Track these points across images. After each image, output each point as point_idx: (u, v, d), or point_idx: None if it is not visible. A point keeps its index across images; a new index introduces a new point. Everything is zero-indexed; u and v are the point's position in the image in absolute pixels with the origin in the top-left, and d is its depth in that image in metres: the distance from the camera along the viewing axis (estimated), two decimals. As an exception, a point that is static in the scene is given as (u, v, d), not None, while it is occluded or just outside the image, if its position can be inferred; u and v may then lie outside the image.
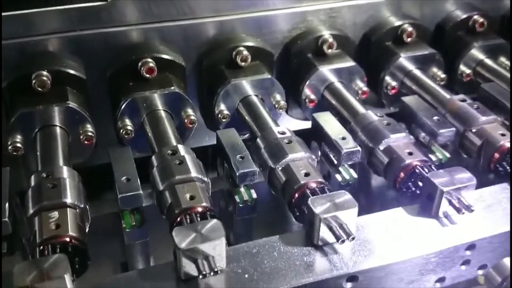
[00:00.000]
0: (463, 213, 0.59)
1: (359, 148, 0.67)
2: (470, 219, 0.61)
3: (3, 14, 0.70)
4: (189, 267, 0.51)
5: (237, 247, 0.57)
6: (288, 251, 0.57)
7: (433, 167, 0.65)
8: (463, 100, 0.75)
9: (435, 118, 0.72)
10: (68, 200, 0.58)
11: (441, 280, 0.61)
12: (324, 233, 0.56)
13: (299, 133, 0.73)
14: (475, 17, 0.90)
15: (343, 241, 0.55)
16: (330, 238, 0.57)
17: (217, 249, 0.51)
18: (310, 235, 0.57)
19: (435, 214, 0.61)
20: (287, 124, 0.86)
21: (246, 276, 0.54)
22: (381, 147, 0.68)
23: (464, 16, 0.90)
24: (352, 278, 0.56)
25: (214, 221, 0.52)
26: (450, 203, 0.60)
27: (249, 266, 0.55)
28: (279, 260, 0.56)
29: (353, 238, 0.55)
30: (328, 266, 0.56)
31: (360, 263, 0.56)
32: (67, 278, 0.48)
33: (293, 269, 0.55)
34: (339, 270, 0.55)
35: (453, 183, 0.59)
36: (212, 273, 0.51)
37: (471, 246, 0.60)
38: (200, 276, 0.51)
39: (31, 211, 0.56)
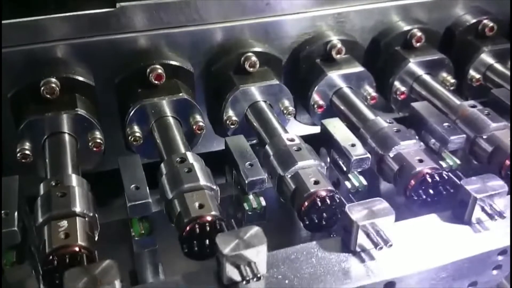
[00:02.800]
0: (496, 219, 0.59)
1: (369, 155, 0.67)
2: (502, 225, 0.61)
3: (11, 21, 0.70)
4: (232, 273, 0.52)
5: (275, 253, 0.58)
6: (325, 257, 0.58)
7: (443, 174, 0.64)
8: (474, 106, 0.74)
9: (446, 124, 0.71)
10: (77, 209, 0.58)
11: (473, 284, 0.62)
12: (361, 239, 0.57)
13: (307, 138, 0.73)
14: (485, 21, 0.89)
15: (381, 248, 0.55)
16: (367, 244, 0.57)
17: (259, 255, 0.52)
18: (347, 242, 0.58)
19: (468, 220, 0.61)
20: (295, 129, 0.87)
21: (286, 282, 0.55)
22: (391, 154, 0.67)
23: (474, 20, 0.90)
24: (389, 284, 0.57)
25: (256, 228, 0.53)
26: (483, 209, 0.60)
27: (288, 272, 0.56)
28: (318, 266, 0.57)
29: (391, 245, 0.56)
30: (365, 272, 0.56)
31: (397, 269, 0.57)
32: (117, 284, 0.48)
33: (331, 275, 0.56)
34: (376, 276, 0.56)
35: (486, 190, 0.60)
36: (255, 279, 0.52)
37: (503, 252, 0.60)
38: (244, 282, 0.52)
39: (40, 220, 0.56)
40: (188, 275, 0.56)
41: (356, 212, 0.56)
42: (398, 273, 0.57)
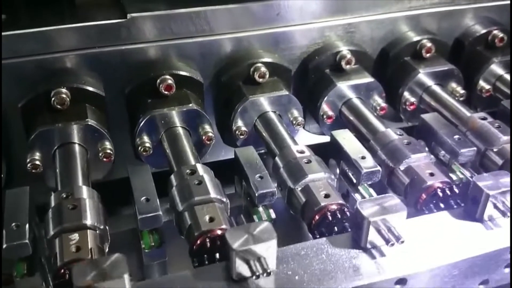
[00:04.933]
0: (509, 216, 0.59)
1: (379, 168, 0.67)
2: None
3: (23, 31, 0.71)
4: (241, 268, 0.53)
5: (284, 248, 0.58)
6: (336, 253, 0.58)
7: (454, 188, 0.64)
8: (484, 118, 0.74)
9: (456, 137, 0.71)
10: (88, 221, 0.58)
11: (484, 282, 0.61)
12: (372, 236, 0.57)
13: (316, 147, 0.73)
14: (495, 32, 0.89)
15: (392, 244, 0.55)
16: (378, 241, 0.58)
17: (269, 250, 0.53)
18: (357, 238, 0.58)
19: (480, 217, 0.62)
20: (305, 138, 0.87)
21: (296, 278, 0.55)
22: (402, 167, 0.67)
23: (484, 31, 0.90)
24: (400, 281, 0.57)
25: (266, 223, 0.54)
26: (495, 206, 0.60)
27: (298, 268, 0.56)
28: (328, 262, 0.57)
29: (402, 242, 0.55)
30: (376, 269, 0.56)
31: (408, 266, 0.57)
32: (126, 278, 0.49)
33: (342, 272, 0.56)
34: (387, 273, 0.56)
35: (498, 186, 0.60)
36: (265, 274, 0.52)
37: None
38: (254, 277, 0.52)
39: (51, 232, 0.57)
40: (198, 270, 0.57)
41: (368, 208, 0.56)
42: (409, 270, 0.57)
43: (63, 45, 0.73)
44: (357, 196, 0.69)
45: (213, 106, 0.83)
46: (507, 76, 0.88)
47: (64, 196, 0.61)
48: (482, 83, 0.88)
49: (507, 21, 0.92)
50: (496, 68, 0.88)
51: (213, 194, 0.61)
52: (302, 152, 0.68)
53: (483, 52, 0.89)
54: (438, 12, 0.87)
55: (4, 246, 0.56)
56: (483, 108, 0.90)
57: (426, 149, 0.71)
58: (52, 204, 0.61)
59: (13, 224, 0.58)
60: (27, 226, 0.58)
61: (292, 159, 0.67)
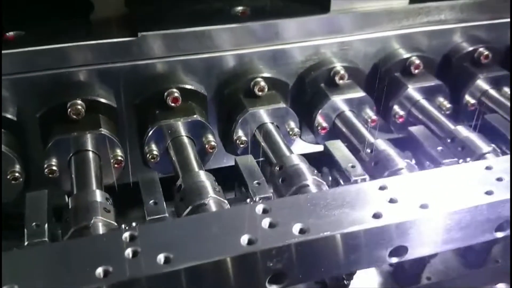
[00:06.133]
0: None
1: (367, 176, 0.72)
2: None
3: (41, 47, 0.76)
4: None
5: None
6: None
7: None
8: (466, 131, 0.79)
9: (439, 148, 0.77)
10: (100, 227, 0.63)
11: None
12: None
13: (311, 155, 0.79)
14: (481, 49, 0.94)
15: None
16: None
17: None
18: None
19: None
20: (301, 148, 0.92)
21: None
22: (386, 174, 0.73)
23: (470, 48, 0.94)
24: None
25: None
26: None
27: None
28: None
29: None
30: None
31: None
32: None
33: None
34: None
35: None
36: None
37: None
38: None
39: (69, 233, 0.62)
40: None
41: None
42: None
43: (78, 61, 0.78)
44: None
45: (216, 117, 0.88)
46: (492, 91, 0.94)
47: (79, 199, 0.67)
48: (467, 97, 0.94)
49: (494, 39, 0.98)
50: (482, 83, 0.94)
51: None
52: (296, 161, 0.74)
53: (469, 68, 0.95)
54: (427, 31, 0.93)
55: (26, 243, 0.62)
56: (468, 121, 0.96)
57: (413, 159, 0.77)
58: (70, 206, 0.66)
59: (34, 223, 0.64)
60: (46, 225, 0.64)
61: (286, 168, 0.73)
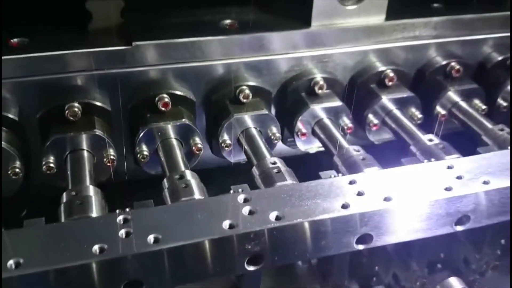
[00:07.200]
0: None
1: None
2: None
3: (42, 54, 0.81)
4: None
5: None
6: None
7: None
8: (431, 140, 0.86)
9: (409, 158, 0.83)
10: (93, 214, 0.69)
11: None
12: None
13: (291, 158, 0.86)
14: (452, 63, 1.00)
15: None
16: None
17: None
18: None
19: None
20: (282, 151, 0.98)
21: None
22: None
23: (443, 62, 1.00)
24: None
25: None
26: None
27: None
28: None
29: None
30: None
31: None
32: None
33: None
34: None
35: None
36: None
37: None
38: None
39: (63, 222, 0.69)
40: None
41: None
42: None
43: (76, 67, 0.82)
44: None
45: (203, 121, 0.94)
46: (462, 103, 1.00)
47: (74, 194, 0.72)
48: (438, 108, 1.01)
49: (466, 54, 1.04)
50: (452, 95, 1.00)
51: (197, 196, 0.73)
52: (274, 163, 0.80)
53: (441, 81, 1.01)
54: (402, 46, 0.99)
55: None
56: (441, 130, 1.02)
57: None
58: (64, 200, 0.71)
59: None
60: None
61: (265, 169, 0.79)
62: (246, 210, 0.63)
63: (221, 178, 0.91)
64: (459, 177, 0.70)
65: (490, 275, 0.92)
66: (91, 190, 0.74)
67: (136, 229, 0.59)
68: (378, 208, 0.65)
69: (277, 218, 0.62)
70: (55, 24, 0.89)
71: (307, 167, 0.87)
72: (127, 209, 0.62)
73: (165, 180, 0.78)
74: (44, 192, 0.82)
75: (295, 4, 0.94)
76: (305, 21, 0.92)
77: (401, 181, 0.70)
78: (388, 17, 0.96)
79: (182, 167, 0.80)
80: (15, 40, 0.85)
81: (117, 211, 0.62)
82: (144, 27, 0.89)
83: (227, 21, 0.93)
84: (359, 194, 0.66)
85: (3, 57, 0.80)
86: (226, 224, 0.61)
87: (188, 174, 0.77)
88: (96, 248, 0.57)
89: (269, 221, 0.62)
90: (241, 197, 0.65)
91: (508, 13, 1.03)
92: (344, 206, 0.64)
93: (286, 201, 0.65)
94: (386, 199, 0.66)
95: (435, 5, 1.04)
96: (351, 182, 0.68)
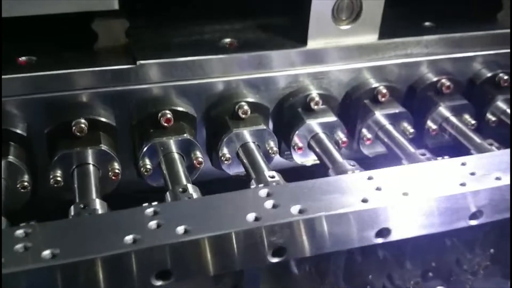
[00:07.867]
0: None
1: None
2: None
3: (49, 72, 0.85)
4: None
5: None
6: None
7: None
8: (424, 154, 0.90)
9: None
10: (101, 226, 0.73)
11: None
12: None
13: (288, 170, 0.89)
14: (443, 80, 1.04)
15: None
16: None
17: None
18: None
19: None
20: (279, 164, 1.02)
21: None
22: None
23: (434, 79, 1.04)
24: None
25: None
26: None
27: None
28: None
29: None
30: None
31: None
32: None
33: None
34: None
35: None
36: None
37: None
38: None
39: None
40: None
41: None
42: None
43: (82, 84, 0.86)
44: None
45: (204, 136, 0.97)
46: (452, 118, 1.04)
47: (82, 206, 0.75)
48: (430, 123, 1.04)
49: (456, 71, 1.08)
50: (443, 111, 1.04)
51: (199, 209, 0.77)
52: (273, 177, 0.83)
53: (432, 97, 1.05)
54: (394, 63, 1.02)
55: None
56: (432, 144, 1.07)
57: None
58: (72, 213, 0.75)
59: None
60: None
61: (263, 182, 0.83)
62: (269, 204, 0.66)
63: (221, 190, 0.95)
64: (472, 173, 0.73)
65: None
66: (98, 204, 0.77)
67: (166, 221, 0.61)
68: (397, 203, 0.67)
69: (300, 212, 0.64)
70: (62, 43, 0.93)
71: (303, 179, 0.90)
72: (155, 202, 0.64)
73: (168, 193, 0.81)
74: (47, 203, 0.85)
75: (292, 24, 0.98)
76: (301, 40, 0.96)
77: (417, 177, 0.73)
78: (381, 36, 1.00)
79: (184, 181, 0.84)
80: (23, 58, 0.88)
81: (145, 204, 0.64)
82: (148, 47, 0.93)
83: (227, 40, 0.97)
84: (378, 189, 0.69)
85: (12, 76, 0.84)
86: (251, 216, 0.63)
87: (191, 188, 0.81)
88: (129, 238, 0.58)
89: (292, 214, 0.64)
90: (263, 192, 0.68)
91: (497, 31, 1.07)
92: (364, 201, 0.67)
93: (308, 195, 0.67)
94: (404, 194, 0.68)
95: (427, 23, 1.08)
96: (369, 178, 0.71)
